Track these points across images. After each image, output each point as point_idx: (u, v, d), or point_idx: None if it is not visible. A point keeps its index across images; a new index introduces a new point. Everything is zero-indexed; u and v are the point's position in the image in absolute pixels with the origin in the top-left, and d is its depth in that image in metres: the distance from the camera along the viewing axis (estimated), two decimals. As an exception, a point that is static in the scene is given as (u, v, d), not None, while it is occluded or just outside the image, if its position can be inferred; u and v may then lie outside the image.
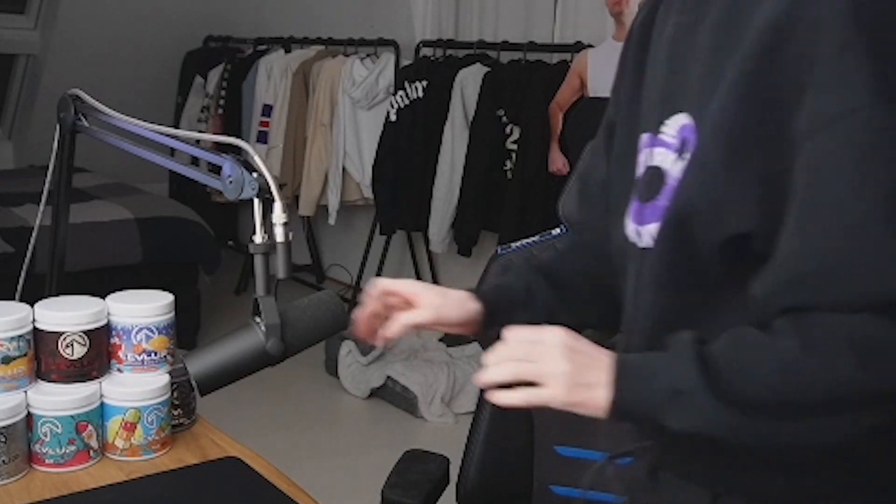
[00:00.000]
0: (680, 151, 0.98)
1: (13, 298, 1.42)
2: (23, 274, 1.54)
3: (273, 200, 1.12)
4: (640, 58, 1.11)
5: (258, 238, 1.12)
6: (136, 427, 1.35)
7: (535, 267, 1.21)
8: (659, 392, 0.89)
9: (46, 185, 1.49)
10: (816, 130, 0.85)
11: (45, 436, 1.31)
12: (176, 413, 1.43)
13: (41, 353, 1.33)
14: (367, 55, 4.63)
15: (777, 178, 0.88)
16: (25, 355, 1.31)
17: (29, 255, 1.53)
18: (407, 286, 1.14)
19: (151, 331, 1.37)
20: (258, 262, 1.12)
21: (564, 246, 1.27)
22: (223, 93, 5.28)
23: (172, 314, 1.39)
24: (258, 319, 1.11)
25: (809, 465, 0.95)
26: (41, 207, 1.49)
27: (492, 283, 1.26)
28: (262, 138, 4.98)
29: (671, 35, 1.04)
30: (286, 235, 1.12)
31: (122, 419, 1.35)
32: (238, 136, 5.16)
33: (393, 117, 4.21)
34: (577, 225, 1.31)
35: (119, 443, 1.36)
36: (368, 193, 4.49)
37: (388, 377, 3.75)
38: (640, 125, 1.07)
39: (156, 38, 5.50)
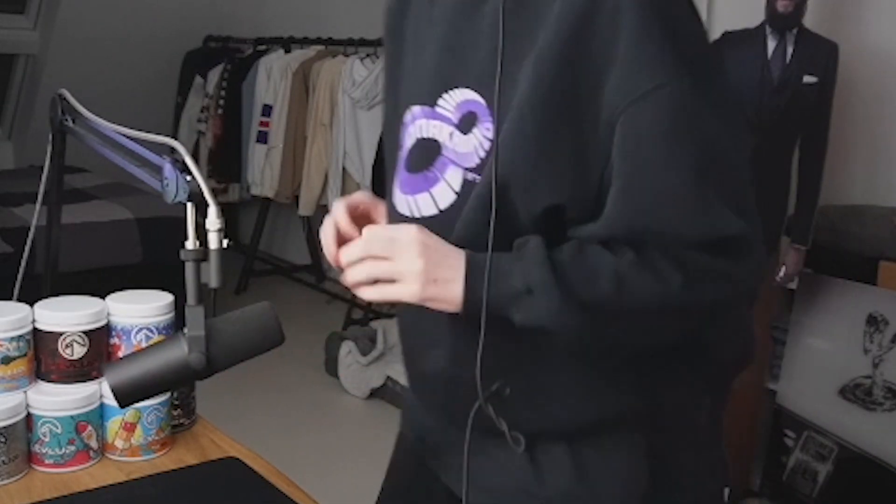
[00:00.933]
0: (461, 126, 1.05)
1: (12, 299, 1.42)
2: (20, 274, 1.54)
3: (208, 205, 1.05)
4: (396, 39, 1.20)
5: (189, 244, 1.04)
6: (135, 427, 1.35)
7: None
8: (511, 288, 0.97)
9: (42, 186, 1.49)
10: (629, 105, 0.94)
11: (45, 436, 1.30)
12: (176, 413, 1.43)
13: (41, 354, 1.33)
14: (367, 55, 4.63)
15: (586, 150, 0.97)
16: (25, 355, 1.31)
17: (26, 255, 1.52)
18: (362, 196, 1.20)
19: (151, 331, 1.37)
20: (189, 269, 1.04)
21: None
22: (223, 93, 5.28)
23: (172, 314, 1.39)
24: (185, 330, 1.05)
25: (609, 389, 1.07)
26: (37, 207, 1.49)
27: None
28: (262, 138, 4.98)
29: (446, 15, 1.09)
30: (220, 242, 1.04)
31: (122, 419, 1.35)
32: (238, 137, 5.19)
33: (393, 117, 4.21)
34: None
35: (119, 443, 1.35)
36: (368, 193, 4.49)
37: (388, 377, 3.75)
38: (405, 100, 1.14)
39: (156, 38, 5.50)
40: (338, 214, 1.16)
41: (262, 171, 4.98)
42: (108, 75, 5.24)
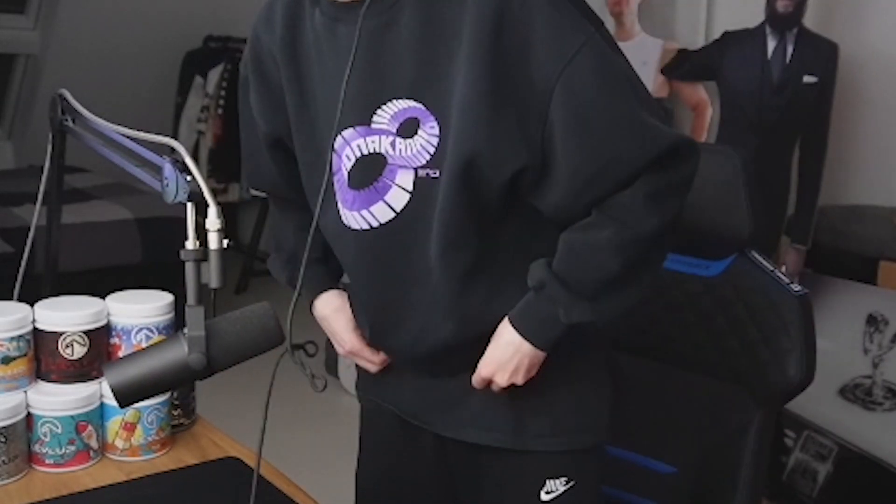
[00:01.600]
0: (401, 133, 1.16)
1: (12, 299, 1.42)
2: (20, 274, 1.53)
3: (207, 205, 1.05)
4: (293, 75, 1.26)
5: (189, 244, 1.05)
6: (135, 427, 1.35)
7: (313, 259, 1.37)
8: (559, 324, 1.19)
9: (42, 186, 1.49)
10: (563, 68, 1.09)
11: (45, 436, 1.30)
12: (176, 413, 1.43)
13: (41, 354, 1.33)
14: (367, 55, 4.62)
15: (528, 118, 1.11)
16: (25, 355, 1.31)
17: (26, 255, 1.52)
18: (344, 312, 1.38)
19: (151, 331, 1.37)
20: (189, 269, 1.04)
21: (295, 226, 1.44)
22: (223, 93, 5.27)
23: (172, 314, 1.39)
24: (185, 331, 1.05)
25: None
26: (37, 207, 1.49)
27: (317, 274, 1.40)
28: (262, 138, 4.97)
29: (354, 42, 1.17)
30: (220, 242, 1.04)
31: (122, 419, 1.35)
32: (238, 137, 5.17)
33: (393, 117, 4.21)
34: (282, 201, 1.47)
35: (119, 443, 1.35)
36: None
37: (388, 377, 3.74)
38: (328, 128, 1.22)
39: (155, 37, 5.49)
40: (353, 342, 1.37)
41: (262, 171, 4.97)
42: (108, 75, 5.24)
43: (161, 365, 1.04)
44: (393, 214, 1.20)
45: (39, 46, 5.24)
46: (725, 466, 1.47)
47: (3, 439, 1.26)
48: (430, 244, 1.20)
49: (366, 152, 1.20)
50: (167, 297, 1.40)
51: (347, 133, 1.21)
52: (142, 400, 1.08)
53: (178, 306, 1.41)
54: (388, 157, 1.18)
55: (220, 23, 5.69)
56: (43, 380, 1.34)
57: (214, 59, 5.47)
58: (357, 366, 1.42)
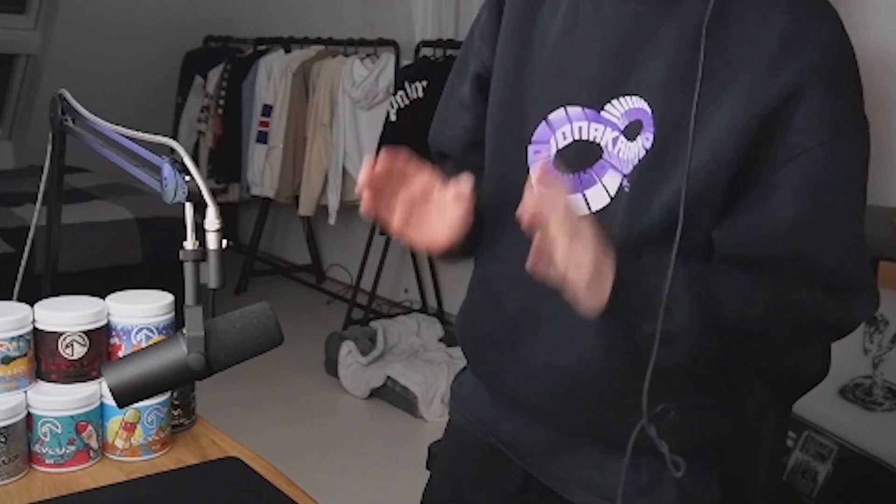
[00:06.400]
0: (626, 132, 1.06)
1: (12, 298, 1.42)
2: (20, 274, 1.54)
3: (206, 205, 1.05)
4: (526, 23, 1.16)
5: (188, 244, 1.04)
6: (135, 427, 1.35)
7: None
8: (651, 302, 1.00)
9: (42, 185, 1.49)
10: (815, 146, 1.01)
11: (45, 436, 1.31)
12: (176, 413, 1.43)
13: (41, 354, 1.33)
14: (367, 55, 4.63)
15: (751, 169, 1.02)
16: (25, 355, 1.31)
17: (26, 255, 1.52)
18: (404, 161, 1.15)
19: (151, 331, 1.37)
20: (188, 269, 1.04)
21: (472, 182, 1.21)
22: (223, 93, 5.27)
23: (172, 314, 1.39)
24: (184, 331, 1.04)
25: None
26: (37, 207, 1.49)
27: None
28: (262, 138, 4.98)
29: (618, 18, 1.08)
30: (219, 243, 1.04)
31: (122, 419, 1.35)
32: (238, 137, 5.19)
33: (393, 117, 4.21)
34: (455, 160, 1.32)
35: (119, 443, 1.36)
36: (368, 193, 4.48)
37: (388, 377, 3.75)
38: (550, 97, 1.12)
39: (156, 38, 5.50)
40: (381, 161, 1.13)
41: (262, 171, 4.98)
42: (108, 75, 5.24)
43: (160, 365, 1.04)
44: (586, 212, 1.09)
45: (39, 46, 5.25)
46: (741, 458, 1.46)
47: (3, 439, 1.26)
48: None
49: (586, 137, 1.10)
50: (167, 297, 1.40)
51: (573, 111, 1.11)
52: (141, 400, 1.08)
53: (178, 306, 1.41)
54: (605, 152, 1.09)
55: (220, 23, 5.69)
56: (43, 380, 1.34)
57: (214, 59, 5.48)
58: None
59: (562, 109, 1.12)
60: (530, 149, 1.15)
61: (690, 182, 0.99)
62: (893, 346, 2.73)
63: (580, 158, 1.10)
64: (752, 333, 1.06)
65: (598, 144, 1.09)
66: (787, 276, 1.05)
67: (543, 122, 1.13)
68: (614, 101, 1.08)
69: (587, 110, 1.10)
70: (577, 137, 1.11)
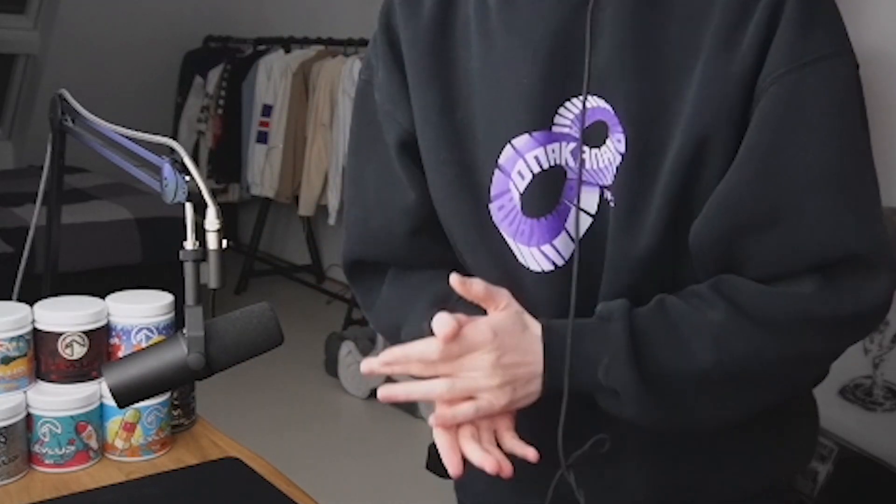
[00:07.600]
0: (586, 139, 0.92)
1: (12, 299, 1.42)
2: (20, 274, 1.54)
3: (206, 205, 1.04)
4: (441, 65, 0.99)
5: (188, 244, 1.04)
6: (135, 427, 1.35)
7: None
8: (595, 380, 0.89)
9: (42, 185, 1.49)
10: (786, 72, 0.85)
11: (45, 436, 1.30)
12: (176, 413, 1.43)
13: (41, 354, 1.33)
14: (367, 55, 4.63)
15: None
16: (25, 355, 1.31)
17: (26, 255, 1.52)
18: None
19: (151, 331, 1.37)
20: (188, 269, 1.04)
21: (428, 300, 1.03)
22: (223, 93, 5.28)
23: (172, 314, 1.39)
24: (184, 331, 1.04)
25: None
26: (37, 207, 1.49)
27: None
28: (262, 138, 4.98)
29: (536, 16, 0.93)
30: (219, 243, 1.03)
31: (122, 419, 1.35)
32: (238, 137, 5.19)
33: (393, 117, 4.21)
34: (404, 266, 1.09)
35: (119, 443, 1.35)
36: (368, 193, 4.48)
37: (388, 378, 3.74)
38: (493, 137, 0.96)
39: (156, 38, 5.50)
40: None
41: (262, 171, 4.98)
42: (108, 75, 5.24)
43: (160, 365, 1.04)
44: (573, 245, 0.94)
45: (39, 46, 5.25)
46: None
47: (2, 439, 1.26)
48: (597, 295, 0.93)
49: (545, 166, 0.94)
50: (167, 298, 1.40)
51: (520, 142, 0.94)
52: (141, 400, 1.08)
53: (178, 306, 1.41)
54: (568, 171, 0.94)
55: (220, 23, 5.70)
56: (43, 380, 1.34)
57: (214, 59, 5.48)
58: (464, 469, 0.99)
59: (508, 147, 0.95)
60: (492, 207, 0.98)
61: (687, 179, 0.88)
62: (894, 346, 2.73)
63: (547, 193, 0.94)
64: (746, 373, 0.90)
65: (559, 166, 0.94)
66: (755, 271, 0.88)
67: (496, 170, 0.96)
68: (561, 110, 0.93)
69: (535, 134, 0.94)
70: (535, 171, 0.94)
